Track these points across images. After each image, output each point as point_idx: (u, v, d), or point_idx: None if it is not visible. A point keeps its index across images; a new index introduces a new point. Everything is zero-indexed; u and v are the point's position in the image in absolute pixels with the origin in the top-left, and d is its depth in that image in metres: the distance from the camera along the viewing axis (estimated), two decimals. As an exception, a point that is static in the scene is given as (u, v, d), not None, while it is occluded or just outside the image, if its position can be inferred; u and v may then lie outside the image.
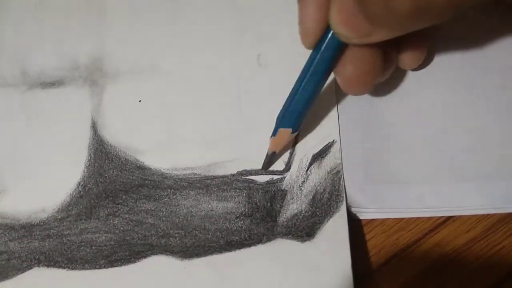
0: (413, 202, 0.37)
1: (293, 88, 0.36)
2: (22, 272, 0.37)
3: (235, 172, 0.38)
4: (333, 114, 0.39)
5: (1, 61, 0.44)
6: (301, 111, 0.36)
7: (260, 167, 0.38)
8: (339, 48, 0.34)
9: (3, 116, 0.41)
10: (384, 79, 0.38)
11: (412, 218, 0.37)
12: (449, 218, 0.37)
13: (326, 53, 0.34)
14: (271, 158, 0.38)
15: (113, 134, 0.40)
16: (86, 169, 0.39)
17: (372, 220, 0.37)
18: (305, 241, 0.36)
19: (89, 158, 0.39)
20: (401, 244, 0.37)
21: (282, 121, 0.37)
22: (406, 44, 0.36)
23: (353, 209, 0.37)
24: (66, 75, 0.42)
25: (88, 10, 0.44)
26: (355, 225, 0.37)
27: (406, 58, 0.36)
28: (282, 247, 0.36)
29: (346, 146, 0.38)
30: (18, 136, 0.41)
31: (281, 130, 0.37)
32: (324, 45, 0.34)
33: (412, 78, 0.39)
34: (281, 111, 0.37)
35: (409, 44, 0.36)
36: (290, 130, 0.37)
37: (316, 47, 0.35)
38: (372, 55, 0.34)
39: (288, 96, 0.37)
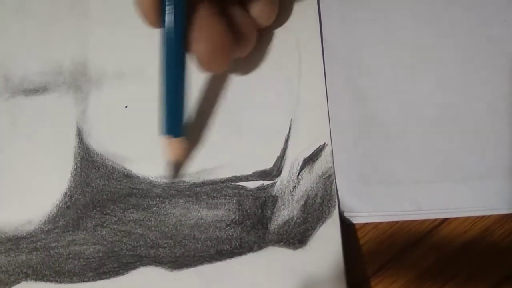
0: (407, 204, 0.36)
1: (162, 94, 0.37)
2: (10, 287, 0.37)
3: (224, 178, 0.37)
4: (324, 116, 0.39)
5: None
6: (178, 113, 0.37)
7: (250, 172, 0.38)
8: (182, 13, 0.35)
9: (-15, 125, 0.41)
10: (244, 55, 0.38)
11: (407, 221, 0.37)
12: (444, 220, 0.36)
13: (175, 28, 0.35)
14: (172, 169, 0.39)
15: (99, 142, 0.40)
16: (72, 179, 0.39)
17: (365, 224, 0.37)
18: (297, 248, 0.35)
19: (75, 167, 0.39)
20: (396, 248, 0.37)
21: (167, 131, 0.37)
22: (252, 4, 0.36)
23: (345, 214, 0.37)
24: (49, 81, 0.41)
25: (70, 14, 0.44)
26: (348, 230, 0.37)
27: (258, 15, 0.38)
28: (274, 255, 0.36)
29: (337, 149, 0.38)
30: (3, 145, 0.40)
31: (173, 141, 0.38)
32: (168, 14, 0.35)
33: (404, 78, 0.39)
34: (164, 122, 0.37)
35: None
36: (180, 138, 0.38)
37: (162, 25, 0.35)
38: (219, 25, 0.35)
39: (162, 104, 0.37)
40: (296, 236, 0.36)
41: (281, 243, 0.36)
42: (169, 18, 0.35)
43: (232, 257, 0.36)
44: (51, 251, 0.37)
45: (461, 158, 0.37)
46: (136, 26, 0.41)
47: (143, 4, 0.34)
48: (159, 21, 0.35)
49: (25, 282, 0.37)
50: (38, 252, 0.37)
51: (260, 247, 0.36)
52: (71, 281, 0.37)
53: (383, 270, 0.36)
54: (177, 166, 0.39)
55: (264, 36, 0.42)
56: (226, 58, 0.36)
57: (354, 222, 0.37)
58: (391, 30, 0.40)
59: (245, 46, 0.38)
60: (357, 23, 0.41)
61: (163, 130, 0.37)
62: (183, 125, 0.37)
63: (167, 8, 0.34)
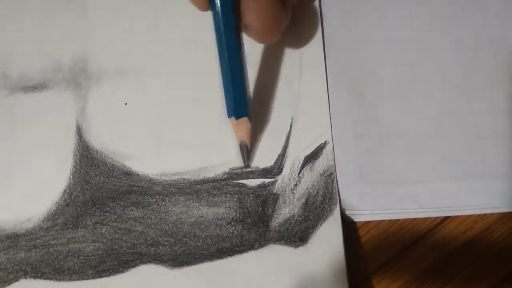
0: (409, 202, 0.36)
1: (222, 77, 0.37)
2: (9, 284, 0.37)
3: (225, 175, 0.37)
4: (325, 115, 0.39)
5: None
6: (241, 93, 0.37)
7: (250, 170, 0.37)
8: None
9: (-16, 122, 0.40)
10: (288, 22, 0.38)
11: (408, 219, 0.37)
12: (446, 218, 0.37)
13: (225, 6, 0.35)
14: (243, 151, 0.39)
15: (99, 139, 0.40)
16: (72, 176, 0.39)
17: (367, 222, 0.37)
18: (298, 246, 0.35)
19: (75, 164, 0.39)
20: (398, 246, 0.37)
21: (231, 112, 0.38)
22: None
23: (347, 212, 0.37)
24: (48, 78, 0.41)
25: (68, 9, 0.43)
26: (350, 228, 0.37)
27: None
28: (275, 253, 0.36)
29: (338, 147, 0.38)
30: (1, 143, 0.40)
31: (238, 122, 0.38)
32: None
33: (404, 77, 0.39)
34: (228, 103, 0.38)
35: None
36: (246, 119, 0.38)
37: (212, 7, 0.35)
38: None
39: (224, 87, 0.37)
40: (297, 234, 0.36)
41: (282, 241, 0.36)
42: None
43: (233, 255, 0.36)
44: (51, 249, 0.37)
45: (461, 156, 0.37)
46: (136, 22, 0.41)
47: None
48: (208, 4, 0.35)
49: (24, 279, 0.37)
50: (37, 250, 0.37)
51: (261, 245, 0.36)
52: (71, 279, 0.37)
53: (385, 268, 0.36)
54: (246, 148, 0.39)
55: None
56: (279, 26, 0.37)
57: (355, 220, 0.37)
58: (391, 30, 0.40)
59: (288, 15, 0.39)
60: (357, 23, 0.41)
61: (228, 112, 0.37)
62: (247, 105, 0.37)
63: None
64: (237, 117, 0.37)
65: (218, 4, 0.35)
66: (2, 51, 0.43)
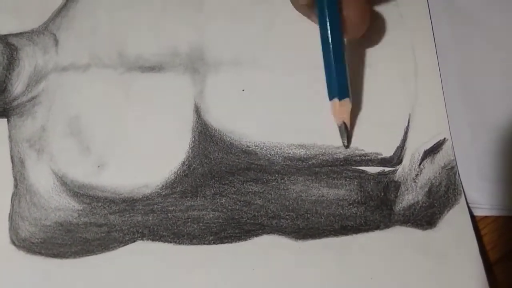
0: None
1: (324, 60, 0.40)
2: (125, 245, 0.36)
3: (343, 161, 0.38)
4: (442, 114, 0.41)
5: (95, 41, 0.44)
6: (343, 74, 0.40)
7: (370, 158, 0.39)
8: None
9: (102, 95, 0.42)
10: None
11: (528, 217, 0.37)
12: None
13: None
14: (343, 131, 0.41)
15: (217, 119, 0.41)
16: (190, 150, 0.40)
17: (485, 217, 0.38)
18: (427, 229, 0.37)
19: (193, 139, 0.40)
20: (515, 243, 0.37)
21: (332, 93, 0.40)
22: None
23: (470, 205, 0.37)
24: (166, 61, 0.43)
25: (184, 3, 0.45)
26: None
27: None
28: (402, 233, 0.37)
29: (457, 145, 0.39)
30: (118, 114, 0.41)
31: (340, 103, 0.40)
32: None
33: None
34: (330, 84, 0.40)
35: None
36: (347, 100, 0.40)
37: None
38: None
39: (325, 70, 0.40)
40: (424, 218, 0.37)
41: (409, 224, 0.37)
42: None
43: (358, 232, 0.37)
44: (169, 214, 0.38)
45: None
46: (250, 16, 0.45)
47: None
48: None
49: (141, 241, 0.37)
50: (155, 215, 0.38)
51: (386, 226, 0.37)
52: (191, 243, 0.37)
53: (502, 262, 0.37)
54: (346, 129, 0.41)
55: (379, 39, 0.45)
56: (367, 22, 0.41)
57: (475, 214, 0.38)
58: (497, 37, 0.43)
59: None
60: (467, 35, 0.43)
61: (331, 95, 0.40)
62: (348, 88, 0.39)
63: None
64: (340, 98, 0.40)
65: None
66: (118, 31, 0.44)
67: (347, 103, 0.40)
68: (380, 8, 0.45)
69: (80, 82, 0.42)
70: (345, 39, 0.40)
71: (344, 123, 0.40)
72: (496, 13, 0.44)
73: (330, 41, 0.39)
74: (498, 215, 0.38)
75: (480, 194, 0.38)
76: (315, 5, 0.40)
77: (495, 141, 0.39)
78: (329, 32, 0.39)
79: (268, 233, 0.36)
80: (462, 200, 0.37)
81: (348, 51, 0.42)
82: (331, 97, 0.40)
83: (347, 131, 0.40)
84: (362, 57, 0.43)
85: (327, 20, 0.39)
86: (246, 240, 0.36)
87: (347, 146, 0.40)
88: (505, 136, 0.39)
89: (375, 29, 0.44)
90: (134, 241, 0.37)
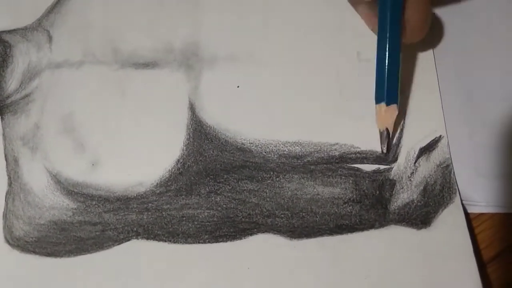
0: (524, 199, 0.37)
1: (378, 62, 0.39)
2: (119, 244, 0.36)
3: (339, 159, 0.38)
4: (437, 110, 0.41)
5: (89, 37, 0.44)
6: (396, 80, 0.39)
7: (365, 155, 0.39)
8: None
9: (96, 92, 0.42)
10: None
11: (523, 214, 0.37)
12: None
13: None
14: (384, 138, 0.40)
15: (211, 116, 0.41)
16: (185, 148, 0.39)
17: (480, 214, 0.38)
18: (421, 228, 0.37)
19: (188, 137, 0.40)
20: (510, 240, 0.37)
21: (380, 97, 0.39)
22: None
23: (464, 202, 0.37)
24: (160, 57, 0.43)
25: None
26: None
27: None
28: (397, 233, 0.37)
29: (453, 141, 0.39)
30: (112, 111, 0.41)
31: (386, 108, 0.39)
32: None
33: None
34: (378, 88, 0.40)
35: None
36: (394, 106, 0.39)
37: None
38: None
39: (377, 72, 0.39)
40: (419, 217, 0.37)
41: (403, 223, 0.37)
42: None
43: (353, 231, 0.37)
44: (164, 213, 0.38)
45: None
46: (247, 10, 0.45)
47: None
48: None
49: (136, 240, 0.37)
50: (150, 213, 0.37)
51: (381, 225, 0.37)
52: (186, 242, 0.37)
53: (498, 260, 0.37)
54: (389, 136, 0.40)
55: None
56: (428, 26, 0.40)
57: (469, 211, 0.38)
58: (494, 34, 0.43)
59: None
60: (464, 31, 0.43)
61: (378, 99, 0.39)
62: (397, 93, 0.39)
63: None
64: (388, 103, 0.39)
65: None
66: (112, 27, 0.44)
67: (393, 110, 0.39)
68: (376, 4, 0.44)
69: (74, 79, 0.42)
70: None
71: (387, 129, 0.39)
72: (494, 9, 0.43)
73: (387, 43, 0.38)
74: (493, 212, 0.38)
75: (475, 191, 0.38)
76: (377, 3, 0.38)
77: (491, 138, 0.39)
78: (388, 33, 0.38)
79: (263, 232, 0.36)
80: (457, 200, 0.37)
81: (342, 47, 0.42)
82: (378, 101, 0.39)
83: (388, 138, 0.40)
84: (358, 53, 0.43)
85: (388, 20, 0.38)
86: (241, 239, 0.36)
87: (386, 154, 0.40)
88: (501, 132, 0.39)
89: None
90: (129, 240, 0.37)
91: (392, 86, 0.39)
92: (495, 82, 0.41)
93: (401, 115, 0.41)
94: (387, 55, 0.38)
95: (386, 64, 0.38)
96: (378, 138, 0.40)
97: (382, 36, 0.38)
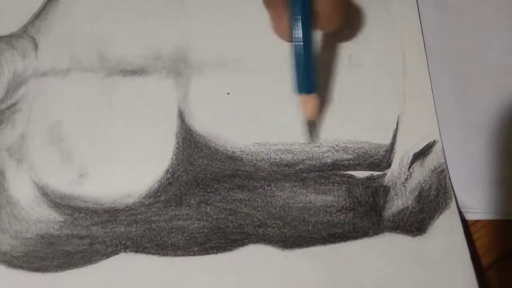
0: (520, 205, 0.36)
1: (294, 54, 0.38)
2: (107, 257, 0.36)
3: (332, 166, 0.37)
4: (431, 115, 0.40)
5: (76, 44, 0.43)
6: (311, 69, 0.38)
7: (358, 162, 0.38)
8: None
9: (83, 100, 0.41)
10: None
11: (521, 221, 0.37)
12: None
13: None
14: (312, 126, 0.40)
15: (201, 124, 0.40)
16: (174, 157, 0.39)
17: (477, 221, 0.37)
18: (416, 235, 0.36)
19: (177, 146, 0.39)
20: (508, 247, 0.36)
21: (299, 88, 0.39)
22: None
23: (461, 209, 0.36)
24: (148, 64, 0.42)
25: (169, 4, 0.44)
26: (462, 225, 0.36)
27: None
28: (392, 240, 0.36)
29: (448, 147, 0.38)
30: (100, 120, 0.40)
31: (306, 98, 0.39)
32: None
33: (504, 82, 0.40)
34: (296, 80, 0.39)
35: None
36: (312, 95, 0.38)
37: None
38: None
39: (294, 64, 0.38)
40: (414, 224, 0.36)
41: (398, 230, 0.36)
42: None
43: (346, 240, 0.36)
44: (153, 225, 0.37)
45: None
46: (235, 17, 0.44)
47: None
48: None
49: (124, 253, 0.36)
50: (138, 225, 0.37)
51: (375, 233, 0.36)
52: (175, 255, 0.36)
53: (496, 266, 0.36)
54: (313, 126, 0.39)
55: (367, 38, 0.44)
56: (344, 14, 0.39)
57: (467, 218, 0.37)
58: (488, 36, 0.42)
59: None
60: (455, 31, 0.42)
61: (297, 89, 0.38)
62: (314, 82, 0.38)
63: None
64: (308, 92, 0.38)
65: None
66: (99, 33, 0.43)
67: (314, 98, 0.39)
68: (369, 7, 0.43)
69: (60, 88, 0.41)
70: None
71: (312, 118, 0.39)
72: (488, 10, 0.42)
73: (300, 34, 0.38)
74: (491, 218, 0.37)
75: (472, 198, 0.37)
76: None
77: (486, 142, 0.39)
78: (299, 24, 0.38)
79: (255, 242, 0.36)
80: (452, 205, 0.36)
81: (333, 51, 0.42)
82: (299, 91, 0.38)
83: (314, 126, 0.39)
84: (349, 57, 0.42)
85: (299, 11, 0.38)
86: (232, 250, 0.36)
87: (311, 142, 0.39)
88: (497, 137, 0.39)
89: (362, 29, 0.44)
90: (117, 253, 0.36)
91: (309, 76, 0.38)
92: (490, 84, 0.40)
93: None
94: (301, 45, 0.37)
95: (301, 54, 0.38)
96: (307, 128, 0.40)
97: (294, 27, 0.37)
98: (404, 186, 0.37)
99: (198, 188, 0.37)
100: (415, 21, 0.43)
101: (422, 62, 0.41)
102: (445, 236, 0.35)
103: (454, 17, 0.43)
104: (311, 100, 0.38)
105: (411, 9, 0.43)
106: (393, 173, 0.37)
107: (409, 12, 0.43)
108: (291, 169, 0.38)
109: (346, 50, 0.43)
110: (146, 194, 0.37)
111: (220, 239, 0.36)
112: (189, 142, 0.39)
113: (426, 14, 0.43)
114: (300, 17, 0.37)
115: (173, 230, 0.36)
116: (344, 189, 0.37)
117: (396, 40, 0.42)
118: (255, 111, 0.40)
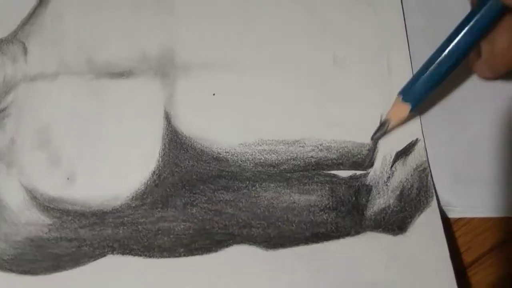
0: (503, 202, 0.37)
1: (428, 60, 0.37)
2: (95, 260, 0.36)
3: (315, 166, 0.38)
4: (414, 114, 0.39)
5: (64, 48, 0.43)
6: (429, 87, 0.38)
7: (341, 161, 0.38)
8: (498, 14, 0.35)
9: (71, 104, 0.41)
10: None
11: (502, 218, 0.37)
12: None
13: (486, 15, 0.35)
14: (382, 126, 0.39)
15: (187, 126, 0.40)
16: (161, 159, 0.39)
17: (459, 219, 0.37)
18: (397, 234, 0.36)
19: (164, 147, 0.39)
20: (489, 244, 0.37)
21: (405, 93, 0.38)
22: None
23: (443, 207, 0.37)
24: (135, 66, 0.42)
25: (156, 4, 0.44)
26: (443, 223, 0.37)
27: None
28: (373, 239, 0.36)
29: (430, 146, 0.39)
30: (88, 122, 0.41)
31: (400, 103, 0.38)
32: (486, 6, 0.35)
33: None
34: (408, 82, 0.39)
35: None
36: (409, 105, 0.38)
37: (475, 9, 0.36)
38: None
39: (420, 69, 0.38)
40: (395, 223, 0.36)
41: (380, 229, 0.36)
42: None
43: (329, 240, 0.36)
44: (139, 226, 0.37)
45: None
46: (222, 17, 0.45)
47: None
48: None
49: (112, 255, 0.37)
50: (125, 227, 0.37)
51: (357, 232, 0.36)
52: (161, 256, 0.36)
53: (477, 264, 0.36)
54: (386, 127, 0.40)
55: (351, 38, 0.45)
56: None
57: (449, 216, 0.37)
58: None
59: None
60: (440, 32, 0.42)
61: (404, 89, 0.39)
62: (423, 98, 0.38)
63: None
64: (405, 99, 0.39)
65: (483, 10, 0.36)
66: (86, 37, 0.44)
67: (405, 107, 0.39)
68: (354, 7, 0.44)
69: (49, 91, 0.42)
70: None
71: (388, 121, 0.39)
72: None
73: (450, 50, 0.37)
74: (472, 216, 0.37)
75: (454, 196, 0.38)
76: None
77: (469, 141, 0.39)
78: (453, 44, 0.37)
79: (239, 243, 0.36)
80: (433, 203, 0.36)
81: (317, 50, 0.43)
82: (400, 92, 0.39)
83: (384, 130, 0.40)
84: (333, 56, 0.43)
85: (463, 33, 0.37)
86: (217, 251, 0.36)
87: (372, 138, 0.40)
88: (480, 135, 0.39)
89: (346, 28, 0.44)
90: (104, 256, 0.36)
91: (422, 89, 0.38)
92: (473, 83, 0.40)
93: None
94: (441, 60, 0.37)
95: (433, 67, 0.37)
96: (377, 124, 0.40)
97: (448, 41, 0.37)
98: (386, 185, 0.37)
99: (184, 189, 0.38)
100: (399, 20, 0.43)
101: (406, 60, 0.41)
102: (426, 235, 0.36)
103: (439, 17, 0.42)
104: (403, 107, 0.39)
105: (396, 9, 0.43)
106: (375, 172, 0.38)
107: (393, 12, 0.43)
108: (275, 169, 0.38)
109: (330, 49, 0.42)
110: (133, 197, 0.38)
111: (205, 240, 0.36)
112: (175, 143, 0.39)
113: (410, 15, 0.43)
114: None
115: (160, 231, 0.37)
116: (327, 188, 0.38)
117: (379, 39, 0.42)
118: (240, 111, 0.40)
